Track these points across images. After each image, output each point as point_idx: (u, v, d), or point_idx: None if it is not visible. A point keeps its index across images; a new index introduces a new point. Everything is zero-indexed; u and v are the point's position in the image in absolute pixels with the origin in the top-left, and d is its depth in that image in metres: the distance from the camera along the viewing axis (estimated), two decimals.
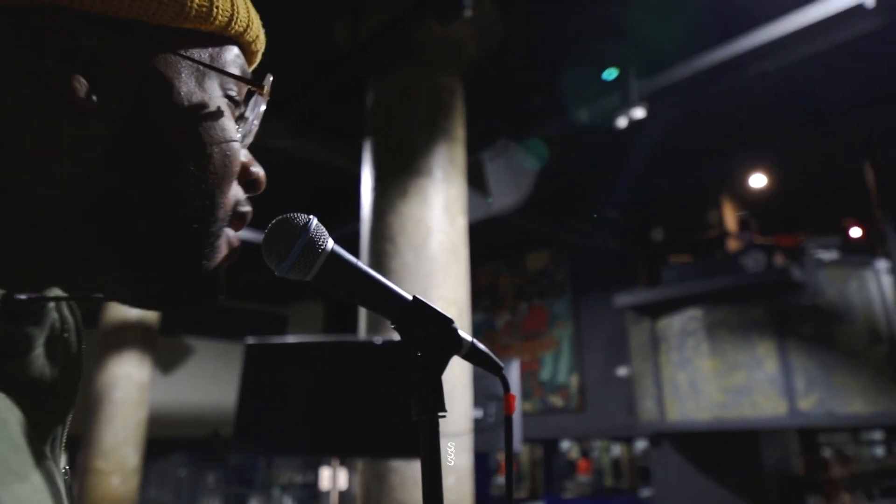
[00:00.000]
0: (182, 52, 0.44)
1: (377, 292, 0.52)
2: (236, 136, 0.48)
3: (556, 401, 8.48)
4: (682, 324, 6.37)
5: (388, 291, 0.52)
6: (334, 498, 3.65)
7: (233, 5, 0.47)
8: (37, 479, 0.34)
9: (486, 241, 8.04)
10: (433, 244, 3.73)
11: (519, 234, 8.26)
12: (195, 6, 0.44)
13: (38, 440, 0.37)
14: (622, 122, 4.20)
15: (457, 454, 3.49)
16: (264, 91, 0.50)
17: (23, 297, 0.34)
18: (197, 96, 0.45)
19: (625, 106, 4.18)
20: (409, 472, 3.36)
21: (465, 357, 0.53)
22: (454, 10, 3.37)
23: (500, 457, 9.97)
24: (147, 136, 0.42)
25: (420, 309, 0.51)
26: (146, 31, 0.43)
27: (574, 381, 8.32)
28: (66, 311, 0.38)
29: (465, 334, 0.53)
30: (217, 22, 0.46)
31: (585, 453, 10.98)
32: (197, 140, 0.44)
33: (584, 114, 4.27)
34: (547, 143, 5.05)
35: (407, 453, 3.07)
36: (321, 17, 4.07)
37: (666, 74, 4.21)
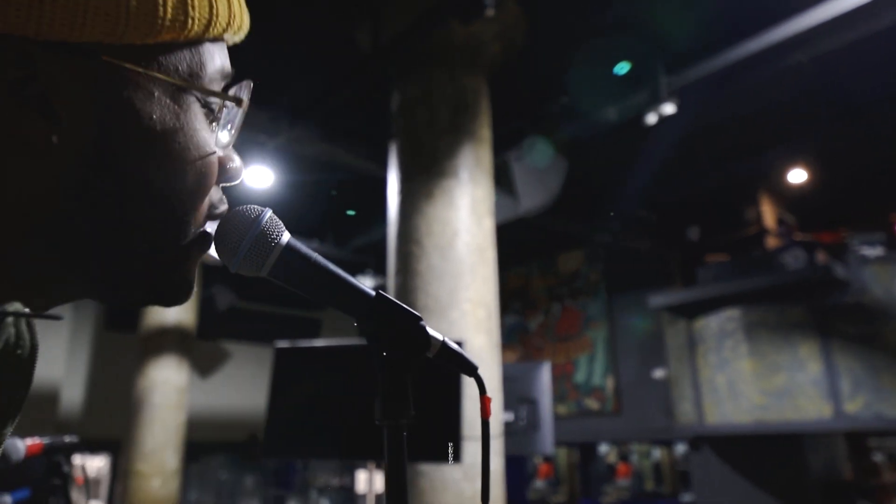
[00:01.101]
0: (153, 71, 0.41)
1: (338, 288, 0.49)
2: (213, 147, 0.45)
3: (592, 403, 8.36)
4: (719, 324, 6.21)
5: (349, 287, 0.49)
6: (370, 501, 3.64)
7: (211, 7, 0.43)
8: None
9: (516, 242, 7.98)
10: (460, 245, 3.70)
11: (550, 234, 8.18)
12: (168, 19, 0.40)
13: None
14: (651, 119, 4.12)
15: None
16: (244, 104, 0.47)
17: None
18: (167, 115, 0.41)
19: (654, 102, 4.09)
20: (439, 476, 3.34)
21: (435, 357, 0.50)
22: (475, 10, 3.35)
23: (538, 461, 9.88)
24: (113, 164, 0.40)
25: (385, 305, 0.49)
26: (112, 53, 0.39)
27: (609, 383, 8.18)
28: (23, 327, 0.37)
29: (435, 332, 0.50)
30: (194, 30, 0.42)
31: (624, 457, 10.79)
32: (170, 164, 0.42)
33: (613, 111, 4.19)
34: (576, 142, 4.98)
35: (435, 457, 3.05)
36: (343, 23, 4.09)
37: (696, 68, 4.10)
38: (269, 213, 0.48)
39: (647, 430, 7.79)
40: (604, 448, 10.46)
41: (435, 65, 3.96)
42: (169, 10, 0.40)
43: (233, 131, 0.48)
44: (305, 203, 6.93)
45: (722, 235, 7.43)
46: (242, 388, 10.11)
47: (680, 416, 6.59)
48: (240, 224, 0.47)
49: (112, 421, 8.15)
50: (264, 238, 0.47)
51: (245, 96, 0.48)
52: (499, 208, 4.24)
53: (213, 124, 0.46)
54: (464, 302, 3.61)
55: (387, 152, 4.08)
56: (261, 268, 0.47)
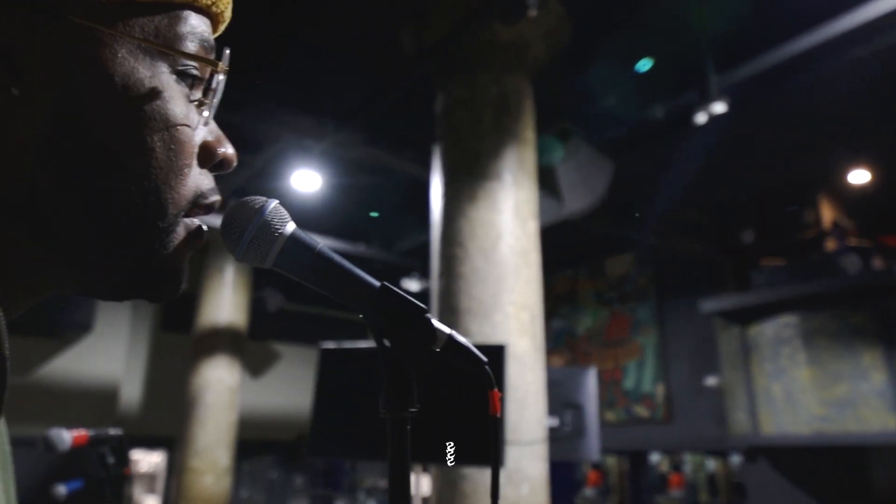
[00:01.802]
0: (118, 29, 0.39)
1: (343, 279, 0.48)
2: (187, 120, 0.43)
3: (641, 411, 8.17)
4: (775, 331, 5.98)
5: (354, 279, 0.48)
6: None
7: None
8: None
9: (563, 245, 7.88)
10: (503, 248, 3.68)
11: (598, 238, 8.05)
12: None
13: None
14: (701, 119, 4.00)
15: (531, 463, 3.41)
16: (219, 67, 0.46)
17: None
18: (135, 79, 0.40)
19: (704, 101, 3.98)
20: (482, 480, 3.31)
21: (442, 350, 0.49)
22: (518, 11, 3.32)
23: (588, 468, 9.72)
24: (78, 128, 0.38)
25: (390, 297, 0.48)
26: (74, 9, 0.38)
27: (660, 390, 7.99)
28: None
29: (442, 325, 0.48)
30: None
31: (676, 467, 10.50)
32: (138, 131, 0.40)
33: (660, 110, 4.10)
34: (624, 142, 4.90)
35: (479, 460, 3.03)
36: (387, 27, 4.13)
37: (749, 65, 3.97)
38: (273, 203, 0.48)
39: (699, 439, 7.56)
40: (655, 457, 10.21)
41: (478, 66, 3.96)
42: None
43: (213, 105, 0.46)
44: (351, 206, 7.02)
45: (778, 238, 7.17)
46: (292, 388, 10.29)
47: (733, 425, 6.37)
48: (244, 214, 0.47)
49: (168, 418, 8.41)
50: (268, 228, 0.47)
51: (223, 62, 0.46)
52: (543, 211, 4.20)
53: (192, 99, 0.44)
54: (507, 305, 3.58)
55: (430, 155, 4.09)
56: (265, 258, 0.47)
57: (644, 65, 3.98)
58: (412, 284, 8.24)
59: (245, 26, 4.21)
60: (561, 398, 4.12)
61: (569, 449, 3.95)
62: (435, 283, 3.84)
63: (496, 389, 0.49)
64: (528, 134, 4.00)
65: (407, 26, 4.12)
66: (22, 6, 0.37)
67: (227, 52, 0.47)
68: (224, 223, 0.48)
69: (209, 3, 0.45)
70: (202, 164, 0.46)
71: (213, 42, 0.46)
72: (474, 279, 3.62)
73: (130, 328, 9.29)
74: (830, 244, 6.65)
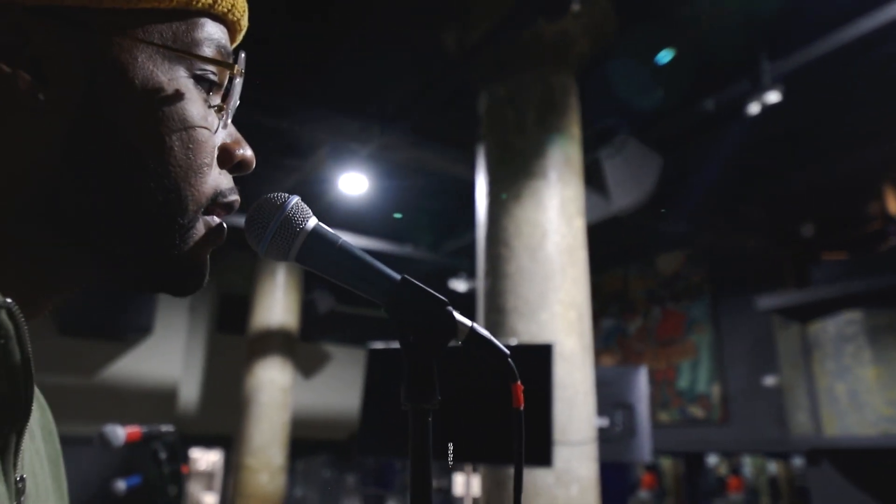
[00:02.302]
0: (138, 35, 0.42)
1: (364, 273, 0.49)
2: (205, 122, 0.45)
3: (697, 411, 7.96)
4: (837, 328, 5.72)
5: (375, 272, 0.49)
6: None
7: None
8: None
9: (612, 243, 7.75)
10: (549, 247, 3.64)
11: (649, 234, 7.88)
12: None
13: None
14: (754, 109, 3.87)
15: (581, 463, 3.36)
16: (236, 69, 0.47)
17: None
18: (155, 82, 0.42)
19: (757, 91, 3.84)
20: (531, 480, 3.29)
21: (464, 343, 0.49)
22: (561, 7, 3.28)
23: (642, 470, 9.52)
24: (102, 130, 0.41)
25: (410, 289, 0.48)
26: (96, 18, 0.40)
27: (715, 390, 7.76)
28: (3, 317, 0.36)
29: (463, 317, 0.48)
30: None
31: (735, 470, 10.18)
32: (156, 131, 0.42)
33: (710, 102, 3.98)
34: (674, 136, 4.78)
35: (529, 461, 3.01)
36: (430, 28, 4.14)
37: (805, 51, 3.81)
38: (295, 199, 0.49)
39: (758, 440, 7.31)
40: (713, 459, 9.92)
41: (522, 64, 3.93)
42: None
43: (231, 108, 0.48)
44: (399, 208, 7.07)
45: (840, 232, 6.86)
46: (343, 388, 10.44)
47: (794, 426, 6.13)
48: (267, 210, 0.48)
49: (224, 417, 8.65)
50: (289, 223, 0.48)
51: (240, 65, 0.48)
52: (590, 208, 4.13)
53: (211, 104, 0.46)
54: (554, 304, 3.54)
55: (475, 155, 4.08)
56: (287, 252, 0.48)
57: (664, 56, 3.86)
58: (460, 285, 8.24)
59: (289, 33, 4.30)
60: (611, 398, 4.05)
61: (620, 450, 3.88)
62: (481, 283, 3.83)
63: (518, 382, 0.49)
64: (574, 130, 3.95)
65: (450, 26, 4.12)
66: (47, 15, 0.39)
67: (243, 55, 0.48)
68: (248, 219, 0.49)
69: (225, 10, 0.47)
70: (222, 166, 0.47)
71: (229, 48, 0.48)
72: (520, 278, 3.60)
73: (188, 330, 9.59)
74: None
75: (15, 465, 0.39)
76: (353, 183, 6.09)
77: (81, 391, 8.38)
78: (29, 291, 0.42)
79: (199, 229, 0.46)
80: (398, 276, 0.48)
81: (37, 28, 0.39)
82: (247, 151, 0.49)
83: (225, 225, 0.48)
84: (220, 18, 0.47)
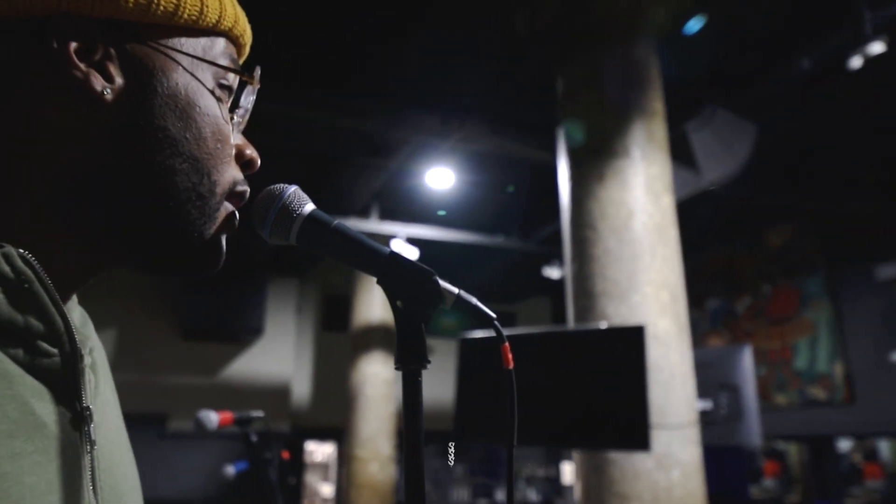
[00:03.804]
0: (177, 47, 0.50)
1: (357, 251, 0.53)
2: (228, 122, 0.53)
3: (818, 392, 7.45)
4: None
5: (366, 249, 0.53)
6: (577, 493, 3.62)
7: (221, 5, 0.53)
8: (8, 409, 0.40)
9: (713, 220, 7.39)
10: (636, 226, 3.54)
11: (753, 208, 7.45)
12: (187, 8, 0.50)
13: (42, 380, 0.43)
14: (856, 62, 3.57)
15: (682, 447, 3.26)
16: (254, 80, 0.56)
17: None
18: (191, 85, 0.50)
19: (859, 42, 3.54)
20: (629, 465, 3.23)
21: (452, 308, 0.52)
22: None
23: (762, 458, 9.03)
24: (149, 121, 0.48)
25: (399, 263, 0.52)
26: (146, 31, 0.49)
27: (838, 369, 7.23)
28: (20, 265, 0.42)
29: (450, 286, 0.52)
30: (207, 20, 0.52)
31: (870, 455, 9.42)
32: (192, 123, 0.50)
33: (806, 60, 3.71)
34: (770, 100, 4.49)
35: (624, 445, 2.95)
36: (500, 15, 4.13)
37: None
38: (292, 188, 0.54)
39: (889, 421, 6.75)
40: (844, 444, 9.23)
41: (597, 42, 3.84)
42: (188, 1, 0.50)
43: (248, 108, 0.57)
44: (487, 199, 7.10)
45: None
46: (446, 379, 10.61)
47: None
48: (267, 199, 0.54)
49: (335, 411, 9.05)
50: (287, 210, 0.53)
51: (255, 77, 0.56)
52: (679, 184, 3.97)
53: (228, 104, 0.54)
54: (644, 285, 3.45)
55: (556, 139, 4.04)
56: (288, 236, 0.53)
57: (694, 25, 3.61)
58: (553, 272, 8.15)
59: (362, 37, 4.43)
60: (714, 380, 3.89)
61: (726, 433, 3.72)
62: (568, 268, 3.79)
63: (506, 343, 0.51)
64: (657, 105, 3.81)
65: (519, 10, 4.09)
66: (110, 27, 0.48)
67: (258, 69, 0.57)
68: (253, 209, 0.55)
69: (238, 34, 0.56)
70: (236, 161, 0.55)
71: (238, 63, 0.57)
72: (608, 260, 3.52)
73: (296, 330, 10.11)
74: None
75: (78, 395, 0.45)
76: (440, 177, 6.18)
77: (204, 389, 9.06)
78: (71, 262, 0.48)
79: (221, 214, 0.53)
80: (387, 251, 0.52)
81: (102, 36, 0.48)
82: (254, 152, 0.56)
83: (237, 214, 0.55)
84: (233, 39, 0.56)
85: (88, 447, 0.46)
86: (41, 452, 0.41)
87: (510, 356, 0.51)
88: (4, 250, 0.42)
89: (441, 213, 6.94)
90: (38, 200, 0.46)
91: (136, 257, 0.52)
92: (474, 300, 0.52)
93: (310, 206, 0.54)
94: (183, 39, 0.51)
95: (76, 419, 0.45)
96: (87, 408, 0.46)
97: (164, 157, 0.49)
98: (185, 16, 0.50)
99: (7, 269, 0.41)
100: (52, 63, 0.46)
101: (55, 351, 0.44)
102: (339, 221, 0.54)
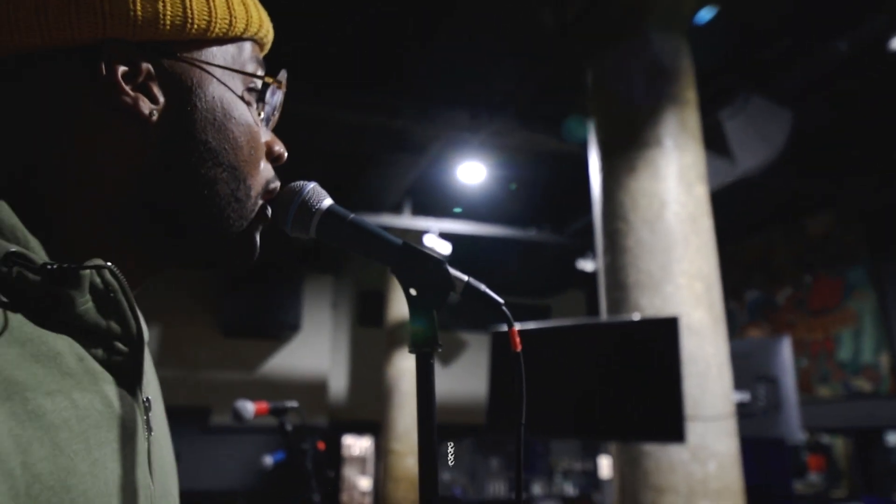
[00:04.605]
0: (209, 59, 0.53)
1: (371, 241, 0.56)
2: (258, 125, 0.57)
3: (863, 384, 7.26)
4: None
5: (380, 240, 0.56)
6: (615, 486, 3.62)
7: (247, 13, 0.56)
8: (83, 397, 0.44)
9: (750, 210, 7.25)
10: (669, 217, 3.51)
11: (792, 196, 7.28)
12: (218, 23, 0.53)
13: (114, 375, 0.48)
14: None
15: (718, 439, 3.23)
16: (281, 84, 0.59)
17: (53, 266, 0.44)
18: (226, 96, 0.54)
19: None
20: (665, 457, 3.21)
21: (462, 295, 0.55)
22: None
23: (806, 452, 8.83)
24: (188, 134, 0.52)
25: (411, 252, 0.55)
26: (180, 48, 0.52)
27: (884, 360, 7.03)
28: (108, 277, 0.47)
29: (459, 273, 0.55)
30: (236, 30, 0.55)
31: None
32: (229, 134, 0.53)
33: (844, 45, 3.62)
34: (806, 86, 4.39)
35: (659, 437, 2.94)
36: (527, 8, 4.12)
37: None
38: (311, 185, 0.58)
39: None
40: (893, 437, 8.96)
41: (626, 32, 3.81)
42: (218, 14, 0.53)
43: (274, 112, 0.60)
44: (518, 193, 7.09)
45: None
46: (480, 373, 10.65)
47: None
48: (289, 195, 0.58)
49: (372, 405, 9.17)
50: (306, 205, 0.57)
51: (282, 78, 0.59)
52: (714, 173, 3.92)
53: (257, 107, 0.58)
54: (678, 276, 3.42)
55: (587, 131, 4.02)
56: (308, 229, 0.57)
57: (705, 14, 3.52)
58: (587, 265, 8.10)
59: (391, 35, 4.47)
60: (752, 371, 3.83)
61: (765, 425, 3.67)
62: (600, 260, 3.78)
63: (514, 327, 0.54)
64: (689, 94, 3.76)
65: (548, 4, 4.08)
66: (148, 49, 0.51)
67: (284, 72, 0.60)
68: (275, 204, 0.58)
69: (263, 36, 0.59)
70: (266, 158, 0.59)
71: (262, 62, 0.60)
72: (640, 251, 3.50)
73: (332, 326, 10.26)
74: None
75: (140, 388, 0.50)
76: (471, 172, 6.20)
77: (244, 385, 9.27)
78: (133, 270, 0.53)
79: (256, 211, 0.57)
80: (400, 242, 0.56)
81: (144, 59, 0.51)
82: (282, 147, 0.60)
83: (268, 208, 0.59)
84: (258, 41, 0.60)
85: (147, 434, 0.51)
86: (118, 440, 0.46)
87: (518, 340, 0.53)
88: (97, 265, 0.46)
89: (457, 210, 6.95)
90: (102, 215, 0.51)
91: (185, 257, 0.56)
92: (483, 287, 0.55)
93: (328, 202, 0.58)
94: (215, 50, 0.54)
95: (139, 409, 0.50)
96: (147, 399, 0.52)
97: (206, 169, 0.52)
98: (217, 30, 0.53)
99: (98, 280, 0.46)
100: (101, 88, 0.49)
101: (126, 350, 0.49)
102: (354, 215, 0.57)
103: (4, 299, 0.42)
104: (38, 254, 0.45)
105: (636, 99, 3.70)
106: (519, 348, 0.54)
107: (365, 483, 11.34)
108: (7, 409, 0.38)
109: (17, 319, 0.42)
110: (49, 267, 0.44)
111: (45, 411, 0.40)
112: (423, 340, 0.54)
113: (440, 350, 0.54)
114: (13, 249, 0.43)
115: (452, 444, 10.36)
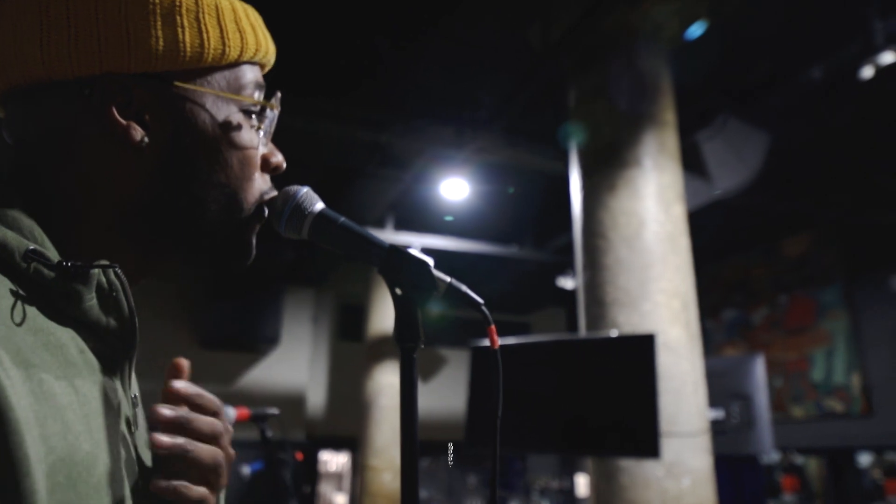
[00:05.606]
0: (204, 86, 0.56)
1: (360, 243, 0.59)
2: (252, 143, 0.60)
3: (835, 404, 7.37)
4: None
5: (370, 242, 0.59)
6: (591, 502, 3.63)
7: (242, 39, 0.59)
8: (83, 385, 0.48)
9: (730, 230, 7.38)
10: (647, 236, 3.57)
11: (770, 218, 7.42)
12: (211, 52, 0.56)
13: (107, 369, 0.52)
14: (867, 73, 3.59)
15: (692, 455, 3.26)
16: (276, 106, 0.63)
17: (67, 263, 0.48)
18: (217, 120, 0.57)
19: (869, 52, 3.56)
20: (640, 473, 3.24)
21: (444, 294, 0.57)
22: None
23: (780, 472, 8.91)
24: (181, 157, 0.56)
25: (397, 254, 0.58)
26: (175, 77, 0.55)
27: (855, 381, 7.15)
28: (112, 278, 0.51)
29: (442, 275, 0.57)
30: (230, 57, 0.58)
31: (891, 470, 9.23)
32: (220, 156, 0.57)
33: (817, 70, 3.73)
34: (783, 109, 4.50)
35: (633, 452, 2.97)
36: (513, 29, 4.20)
37: None
38: (304, 189, 0.61)
39: None
40: (865, 459, 9.08)
41: (609, 53, 3.89)
42: (211, 44, 0.56)
43: (270, 129, 0.63)
44: (501, 211, 7.14)
45: None
46: (460, 390, 10.63)
47: None
48: (283, 198, 0.61)
49: (350, 420, 9.09)
50: (299, 208, 0.60)
51: (275, 101, 0.63)
52: (692, 193, 4.00)
53: (255, 126, 0.61)
54: (656, 293, 3.47)
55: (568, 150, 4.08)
56: (300, 231, 0.60)
57: (695, 30, 3.63)
58: (567, 283, 8.16)
59: (377, 50, 4.52)
60: (726, 389, 3.88)
61: (738, 442, 3.71)
62: (580, 277, 3.82)
63: (493, 326, 0.56)
64: (668, 116, 3.85)
65: (533, 24, 4.16)
66: (144, 78, 0.54)
67: (279, 94, 0.64)
68: (270, 207, 0.62)
69: (261, 58, 0.62)
70: (262, 170, 0.63)
71: (263, 82, 0.63)
72: (619, 269, 3.56)
73: (312, 339, 10.19)
74: None
75: (129, 385, 0.55)
76: (454, 188, 6.24)
77: (222, 397, 8.90)
78: (133, 270, 0.57)
79: (252, 223, 0.61)
80: (387, 244, 0.59)
81: (138, 88, 0.54)
82: (280, 158, 0.64)
83: (265, 208, 0.62)
84: (258, 63, 0.63)
85: (135, 428, 0.55)
86: (113, 428, 0.50)
87: (496, 337, 0.56)
88: (105, 265, 0.50)
89: (448, 218, 6.99)
90: (104, 225, 0.55)
91: (180, 261, 0.61)
92: (464, 287, 0.58)
93: (320, 205, 0.61)
94: (209, 77, 0.57)
95: (128, 403, 0.55)
96: (135, 396, 0.57)
97: (197, 188, 0.56)
98: (210, 58, 0.56)
99: (103, 280, 0.51)
100: (97, 118, 0.53)
101: (122, 345, 0.54)
102: (344, 218, 0.60)
103: (23, 293, 0.46)
104: (52, 253, 0.49)
105: (617, 119, 3.77)
106: (497, 345, 0.57)
107: (341, 500, 11.21)
108: (28, 387, 0.42)
109: (32, 311, 0.46)
110: (64, 264, 0.48)
111: (55, 393, 0.44)
112: (407, 335, 0.57)
113: (423, 347, 0.56)
114: (32, 247, 0.47)
115: (430, 460, 10.30)
